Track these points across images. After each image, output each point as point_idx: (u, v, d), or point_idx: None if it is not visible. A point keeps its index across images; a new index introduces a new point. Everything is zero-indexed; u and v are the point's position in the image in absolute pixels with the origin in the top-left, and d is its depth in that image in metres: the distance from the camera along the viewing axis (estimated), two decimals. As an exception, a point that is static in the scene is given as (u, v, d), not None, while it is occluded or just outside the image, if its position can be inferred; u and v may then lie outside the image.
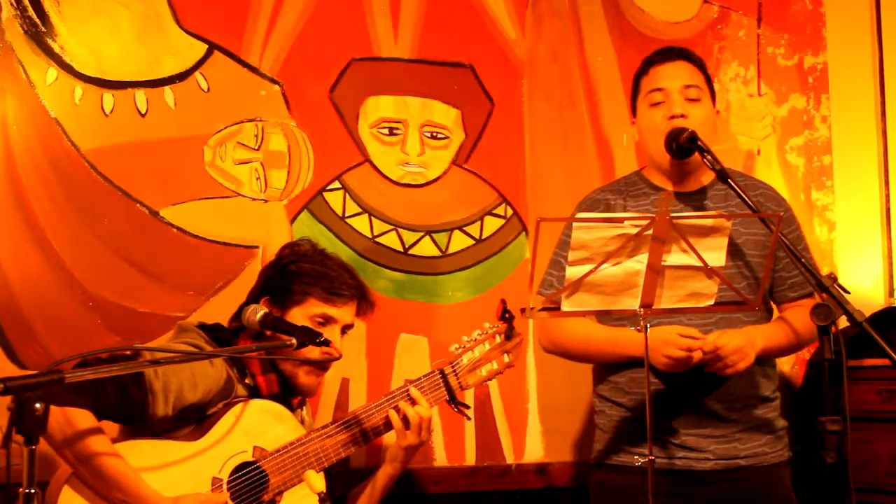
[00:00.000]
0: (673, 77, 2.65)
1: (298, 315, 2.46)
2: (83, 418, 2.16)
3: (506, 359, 2.57)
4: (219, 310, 2.87)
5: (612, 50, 3.57)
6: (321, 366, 2.46)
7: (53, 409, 1.91)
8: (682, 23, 3.68)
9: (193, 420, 2.33)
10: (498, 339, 2.55)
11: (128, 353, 2.33)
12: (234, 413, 2.33)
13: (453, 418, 3.27)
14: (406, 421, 2.45)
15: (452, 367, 2.52)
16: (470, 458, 3.29)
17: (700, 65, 2.71)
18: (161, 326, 2.97)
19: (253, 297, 2.55)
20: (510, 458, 3.33)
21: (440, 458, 3.26)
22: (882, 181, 3.78)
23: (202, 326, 2.50)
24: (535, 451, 3.36)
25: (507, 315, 2.53)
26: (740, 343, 2.48)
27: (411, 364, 3.23)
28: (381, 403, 2.48)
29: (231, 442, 2.31)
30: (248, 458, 2.32)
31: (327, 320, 2.47)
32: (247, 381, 2.44)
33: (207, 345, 2.41)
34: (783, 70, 3.76)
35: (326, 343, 2.35)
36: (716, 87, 2.77)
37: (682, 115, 2.60)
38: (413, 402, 2.46)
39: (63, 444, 2.14)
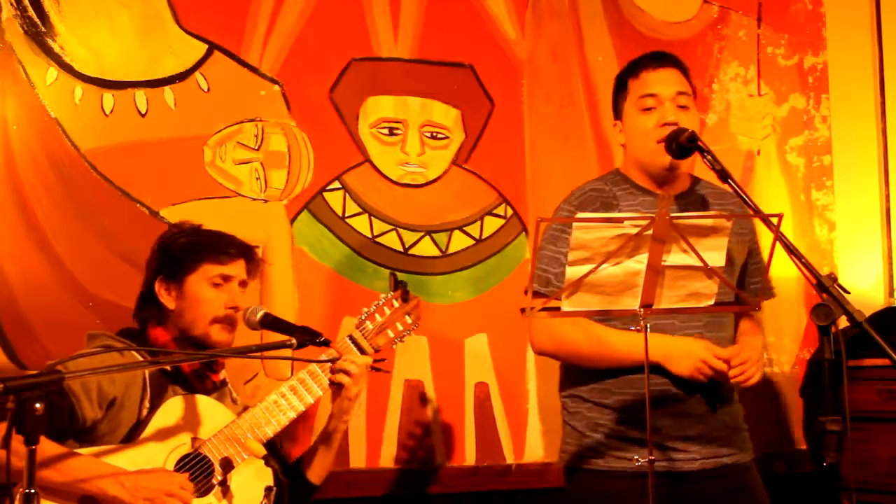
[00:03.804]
0: (666, 84, 2.66)
1: (196, 282, 2.51)
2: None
3: (408, 319, 2.67)
4: (219, 310, 2.87)
5: (612, 50, 3.57)
6: (232, 322, 2.53)
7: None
8: (682, 23, 3.68)
9: (126, 424, 2.37)
10: (396, 304, 2.66)
11: (54, 375, 2.30)
12: (164, 411, 2.37)
13: (453, 419, 3.28)
14: (349, 374, 2.51)
15: (360, 331, 2.60)
16: (470, 458, 3.29)
17: (687, 72, 2.74)
18: (161, 326, 2.97)
19: (148, 284, 2.56)
20: (510, 458, 3.33)
21: (440, 459, 3.26)
22: (882, 181, 3.78)
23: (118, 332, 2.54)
24: (535, 451, 3.36)
25: (399, 283, 2.69)
26: (757, 356, 2.61)
27: (411, 364, 3.24)
28: (303, 378, 2.51)
29: (168, 437, 2.36)
30: (188, 449, 2.37)
31: (225, 279, 2.54)
32: (167, 367, 2.48)
33: (116, 342, 2.46)
34: (783, 70, 3.76)
35: (327, 343, 2.41)
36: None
37: (675, 123, 2.61)
38: (344, 362, 2.52)
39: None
